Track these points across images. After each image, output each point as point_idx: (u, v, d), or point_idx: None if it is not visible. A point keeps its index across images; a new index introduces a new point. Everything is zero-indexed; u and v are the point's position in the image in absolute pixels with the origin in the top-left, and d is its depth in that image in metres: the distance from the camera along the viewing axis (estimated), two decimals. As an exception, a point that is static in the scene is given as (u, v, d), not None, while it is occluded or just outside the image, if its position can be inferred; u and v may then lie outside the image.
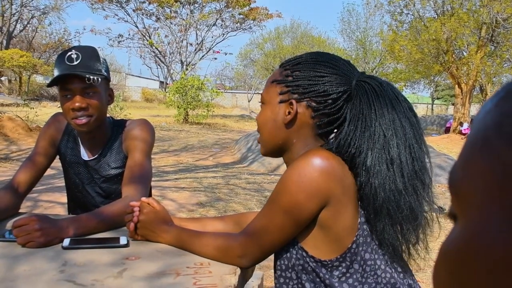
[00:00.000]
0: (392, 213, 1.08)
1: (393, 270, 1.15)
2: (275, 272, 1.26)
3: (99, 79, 1.66)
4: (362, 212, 1.13)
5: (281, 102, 1.22)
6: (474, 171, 0.34)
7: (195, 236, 1.32)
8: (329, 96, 1.16)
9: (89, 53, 1.70)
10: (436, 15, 19.52)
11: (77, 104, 1.66)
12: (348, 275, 1.12)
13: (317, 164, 1.08)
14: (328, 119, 1.18)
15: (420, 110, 43.94)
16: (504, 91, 0.34)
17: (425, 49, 18.87)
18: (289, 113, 1.20)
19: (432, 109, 44.80)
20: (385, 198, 1.08)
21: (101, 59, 1.73)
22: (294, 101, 1.19)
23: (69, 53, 1.68)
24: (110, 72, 1.89)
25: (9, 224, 1.49)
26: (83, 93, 1.67)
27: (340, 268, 1.13)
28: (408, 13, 20.53)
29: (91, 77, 1.63)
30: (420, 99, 47.80)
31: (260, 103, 1.30)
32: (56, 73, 1.68)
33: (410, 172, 1.09)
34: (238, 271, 1.20)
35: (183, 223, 1.48)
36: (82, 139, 1.84)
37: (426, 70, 20.64)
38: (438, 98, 48.19)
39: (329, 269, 1.13)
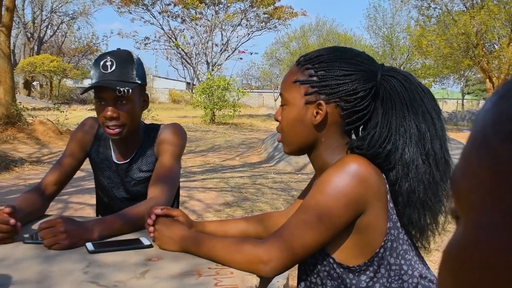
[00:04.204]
0: (430, 204, 1.09)
1: (420, 276, 1.14)
2: (299, 277, 1.25)
3: (130, 90, 1.67)
4: (392, 216, 1.11)
5: (307, 103, 1.19)
6: (472, 171, 0.34)
7: (214, 241, 1.26)
8: (357, 94, 1.15)
9: (124, 60, 1.71)
10: (465, 8, 19.15)
11: (108, 113, 1.68)
12: (375, 279, 1.11)
13: (354, 171, 1.07)
14: (356, 116, 1.17)
15: (450, 106, 43.15)
16: (503, 90, 0.33)
17: (454, 43, 18.53)
18: (317, 113, 1.17)
19: (463, 104, 43.92)
20: (424, 192, 1.09)
21: (135, 65, 1.74)
22: (322, 102, 1.16)
23: (104, 59, 1.69)
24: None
25: (36, 227, 1.52)
26: (115, 102, 1.69)
27: (367, 272, 1.11)
28: (436, 7, 20.20)
29: (122, 89, 1.64)
30: (450, 95, 46.94)
31: (281, 104, 1.26)
32: (92, 79, 1.71)
33: (443, 163, 1.10)
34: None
35: (206, 227, 1.47)
36: (114, 143, 1.87)
37: (456, 65, 20.28)
38: (468, 93, 47.26)
39: (356, 274, 1.12)
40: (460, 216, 0.36)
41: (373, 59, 1.22)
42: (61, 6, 38.17)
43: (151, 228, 1.37)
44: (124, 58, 1.72)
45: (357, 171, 1.07)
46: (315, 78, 1.18)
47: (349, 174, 1.07)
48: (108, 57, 1.69)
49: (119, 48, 1.81)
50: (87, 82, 48.06)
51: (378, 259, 1.11)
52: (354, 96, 1.15)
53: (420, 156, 1.08)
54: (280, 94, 1.28)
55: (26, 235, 1.41)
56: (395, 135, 1.10)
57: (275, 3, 28.36)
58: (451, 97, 46.18)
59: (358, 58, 1.19)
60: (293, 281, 3.32)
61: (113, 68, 1.68)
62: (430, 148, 1.08)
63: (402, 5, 26.25)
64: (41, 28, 37.75)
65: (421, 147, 1.09)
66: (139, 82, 1.74)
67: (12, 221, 1.39)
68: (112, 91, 1.66)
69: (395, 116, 1.11)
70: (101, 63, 1.69)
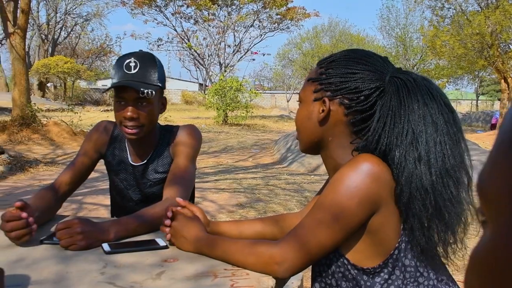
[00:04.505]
0: (418, 212, 1.05)
1: (434, 277, 1.12)
2: (314, 279, 1.25)
3: (153, 92, 1.68)
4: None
5: (315, 100, 1.21)
6: (500, 173, 0.33)
7: (228, 243, 1.25)
8: (361, 93, 1.15)
9: (148, 63, 1.72)
10: (479, 8, 18.97)
11: (128, 113, 1.69)
12: (390, 281, 1.10)
13: (367, 170, 1.07)
14: (361, 116, 1.16)
15: (464, 106, 42.77)
16: None
17: (468, 43, 18.35)
18: (322, 111, 1.19)
19: (477, 105, 43.49)
20: (410, 196, 1.05)
21: (158, 68, 1.75)
22: (326, 99, 1.18)
23: (128, 60, 1.70)
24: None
25: (53, 227, 1.53)
26: (136, 103, 1.70)
27: (382, 274, 1.11)
28: (450, 7, 20.03)
29: (145, 90, 1.65)
30: (464, 95, 46.55)
31: (298, 102, 1.31)
32: (113, 78, 1.72)
33: (440, 169, 1.05)
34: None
35: (221, 227, 1.48)
36: (130, 145, 1.88)
37: (470, 66, 20.09)
38: (483, 94, 46.80)
39: (371, 276, 1.11)
40: (488, 220, 0.35)
41: (389, 62, 1.21)
42: (75, 8, 38.59)
43: (167, 229, 1.37)
44: (147, 60, 1.73)
45: (370, 170, 1.07)
46: (323, 76, 1.21)
47: (362, 173, 1.07)
48: (132, 58, 1.70)
49: (141, 50, 1.81)
50: (100, 83, 48.48)
51: (392, 261, 1.10)
52: (357, 94, 1.15)
53: (412, 158, 1.06)
54: (299, 93, 1.31)
55: (43, 236, 1.42)
56: (389, 136, 1.09)
57: (287, 4, 28.38)
58: (465, 98, 45.78)
59: (367, 58, 1.19)
60: (307, 283, 3.31)
61: (137, 69, 1.69)
62: (424, 152, 1.05)
63: (415, 5, 26.02)
64: (55, 30, 38.18)
65: (414, 150, 1.06)
66: (160, 85, 1.75)
67: (24, 214, 1.36)
68: (135, 92, 1.67)
69: (390, 117, 1.10)
70: (125, 63, 1.70)
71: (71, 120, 13.62)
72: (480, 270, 0.34)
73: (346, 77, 1.16)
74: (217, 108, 20.57)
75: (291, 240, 1.13)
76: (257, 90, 24.79)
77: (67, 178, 1.82)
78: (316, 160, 9.08)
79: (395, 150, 1.08)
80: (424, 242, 1.07)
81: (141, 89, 1.64)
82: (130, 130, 1.71)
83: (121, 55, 1.79)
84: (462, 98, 44.88)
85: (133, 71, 1.69)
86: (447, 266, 1.18)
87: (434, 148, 1.06)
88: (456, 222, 1.08)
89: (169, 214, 1.39)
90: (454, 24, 19.44)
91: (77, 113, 13.87)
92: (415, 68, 30.76)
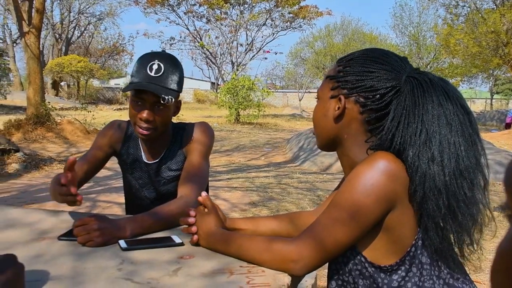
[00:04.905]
0: (431, 211, 1.05)
1: (448, 276, 1.12)
2: (330, 277, 1.25)
3: (173, 99, 1.69)
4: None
5: (332, 97, 1.23)
6: None
7: (243, 239, 1.25)
8: (376, 92, 1.15)
9: (171, 68, 1.72)
10: (494, 6, 18.76)
11: (144, 115, 1.70)
12: (407, 278, 1.10)
13: (383, 167, 1.07)
14: (376, 115, 1.16)
15: (479, 105, 42.36)
16: None
17: (483, 42, 18.18)
18: (338, 108, 1.20)
19: (491, 104, 43.04)
20: (424, 196, 1.05)
21: (179, 73, 1.75)
22: (342, 97, 1.19)
23: (152, 62, 1.70)
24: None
25: (70, 224, 1.55)
26: (153, 106, 1.71)
27: (399, 271, 1.11)
28: (464, 5, 19.87)
29: (166, 97, 1.65)
30: (478, 94, 46.10)
31: (316, 99, 1.32)
32: (134, 76, 1.72)
33: (453, 170, 1.05)
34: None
35: (236, 224, 1.49)
36: (144, 143, 1.89)
37: (484, 64, 19.89)
38: (497, 93, 46.25)
39: (388, 274, 1.11)
40: None
41: (407, 62, 1.21)
42: (88, 7, 38.95)
43: (193, 228, 1.36)
44: (171, 64, 1.73)
45: (387, 168, 1.07)
46: (341, 74, 1.22)
47: (378, 171, 1.07)
48: (156, 61, 1.70)
49: (165, 50, 1.82)
50: (113, 82, 48.77)
51: (409, 258, 1.10)
52: (372, 93, 1.16)
53: (426, 159, 1.06)
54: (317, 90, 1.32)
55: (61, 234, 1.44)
56: (403, 136, 1.09)
57: (300, 2, 28.33)
58: (479, 97, 45.33)
59: (384, 57, 1.19)
60: (321, 281, 3.31)
61: (160, 73, 1.69)
62: (437, 152, 1.06)
63: (429, 3, 25.86)
64: (69, 29, 38.55)
65: (427, 150, 1.06)
66: (178, 90, 1.76)
67: (73, 189, 1.41)
68: (155, 96, 1.68)
69: (404, 116, 1.10)
70: (149, 64, 1.70)
71: (85, 119, 13.74)
72: (506, 263, 0.34)
73: (363, 75, 1.17)
74: (229, 107, 20.60)
75: (307, 238, 1.13)
76: (269, 89, 24.78)
77: (82, 168, 1.82)
78: (328, 159, 9.06)
79: (409, 150, 1.08)
80: (438, 242, 1.08)
81: (163, 95, 1.65)
82: (143, 131, 1.73)
83: (144, 53, 1.78)
84: (476, 97, 44.46)
85: (156, 74, 1.69)
86: (464, 265, 1.17)
87: (448, 148, 1.06)
88: (470, 223, 1.07)
89: (193, 213, 1.39)
90: (468, 22, 19.26)
91: (90, 111, 13.98)
92: (428, 67, 30.55)
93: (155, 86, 1.67)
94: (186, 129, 1.89)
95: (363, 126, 1.19)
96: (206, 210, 1.41)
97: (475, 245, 1.10)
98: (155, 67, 1.69)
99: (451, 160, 1.06)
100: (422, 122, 1.08)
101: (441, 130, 1.07)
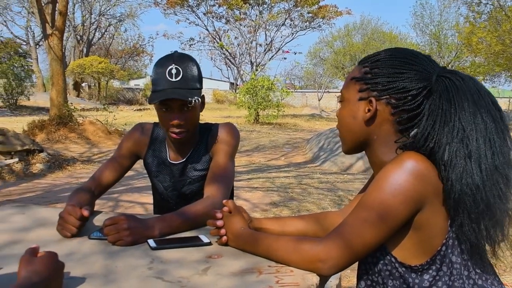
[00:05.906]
0: (468, 208, 1.05)
1: (477, 276, 1.12)
2: (360, 277, 1.25)
3: (199, 100, 1.71)
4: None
5: (360, 99, 1.22)
6: None
7: (271, 240, 1.25)
8: (408, 93, 1.15)
9: (188, 68, 1.73)
10: (518, 4, 18.42)
11: (176, 121, 1.73)
12: (437, 278, 1.10)
13: (412, 167, 1.07)
14: (408, 115, 1.17)
15: (502, 105, 41.56)
16: None
17: (506, 40, 17.89)
18: (368, 110, 1.20)
19: (515, 103, 42.26)
20: (461, 192, 1.05)
21: (197, 70, 1.75)
22: (373, 99, 1.19)
23: (170, 67, 1.70)
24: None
25: (100, 223, 1.58)
26: (181, 109, 1.73)
27: (430, 271, 1.10)
28: (487, 3, 19.55)
29: (193, 100, 1.67)
30: (501, 93, 45.31)
31: (339, 101, 1.31)
32: (156, 85, 1.72)
33: (490, 166, 1.06)
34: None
35: (263, 224, 1.49)
36: (172, 144, 1.90)
37: (508, 62, 19.57)
38: (521, 91, 45.40)
39: (419, 274, 1.11)
40: None
41: (434, 62, 1.21)
42: (109, 9, 39.40)
43: (222, 231, 1.37)
44: (187, 64, 1.73)
45: (415, 168, 1.07)
46: (369, 76, 1.22)
47: (406, 171, 1.07)
48: (173, 65, 1.70)
49: (176, 51, 1.83)
50: (133, 83, 49.20)
51: (440, 257, 1.10)
52: (404, 94, 1.16)
53: (463, 155, 1.06)
54: (341, 92, 1.31)
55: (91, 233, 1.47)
56: (439, 134, 1.09)
57: (319, 2, 28.23)
58: (502, 96, 44.55)
59: (413, 57, 1.19)
60: (344, 282, 3.30)
61: (180, 76, 1.70)
62: (474, 149, 1.06)
63: (450, 1, 25.55)
64: (90, 30, 39.06)
65: (464, 147, 1.07)
66: (200, 87, 1.77)
67: (86, 212, 1.48)
68: (181, 100, 1.69)
69: (440, 115, 1.10)
70: (167, 70, 1.70)
71: (106, 119, 13.89)
72: None
73: (394, 77, 1.17)
74: (249, 107, 20.62)
75: (335, 238, 1.13)
76: (288, 89, 24.73)
77: (107, 175, 1.88)
78: (349, 159, 9.01)
79: (445, 148, 1.08)
80: (474, 238, 1.08)
81: (189, 98, 1.67)
82: (177, 136, 1.75)
83: (159, 58, 1.79)
84: (499, 96, 43.70)
85: (176, 79, 1.69)
86: (494, 266, 1.17)
87: (484, 145, 1.07)
88: (506, 219, 1.08)
89: (219, 215, 1.40)
90: (491, 20, 18.97)
91: (111, 112, 14.13)
92: (449, 66, 30.13)
93: (179, 91, 1.68)
94: (212, 129, 1.91)
95: (393, 126, 1.20)
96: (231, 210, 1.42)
97: (507, 242, 1.10)
98: (173, 71, 1.70)
99: (487, 157, 1.06)
100: (459, 120, 1.08)
101: (477, 128, 1.07)
